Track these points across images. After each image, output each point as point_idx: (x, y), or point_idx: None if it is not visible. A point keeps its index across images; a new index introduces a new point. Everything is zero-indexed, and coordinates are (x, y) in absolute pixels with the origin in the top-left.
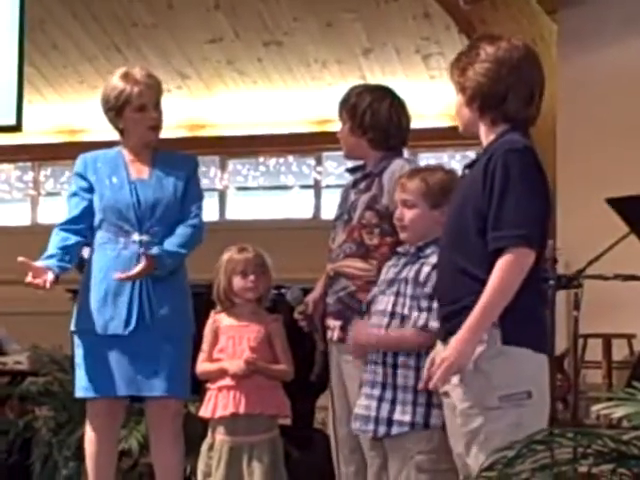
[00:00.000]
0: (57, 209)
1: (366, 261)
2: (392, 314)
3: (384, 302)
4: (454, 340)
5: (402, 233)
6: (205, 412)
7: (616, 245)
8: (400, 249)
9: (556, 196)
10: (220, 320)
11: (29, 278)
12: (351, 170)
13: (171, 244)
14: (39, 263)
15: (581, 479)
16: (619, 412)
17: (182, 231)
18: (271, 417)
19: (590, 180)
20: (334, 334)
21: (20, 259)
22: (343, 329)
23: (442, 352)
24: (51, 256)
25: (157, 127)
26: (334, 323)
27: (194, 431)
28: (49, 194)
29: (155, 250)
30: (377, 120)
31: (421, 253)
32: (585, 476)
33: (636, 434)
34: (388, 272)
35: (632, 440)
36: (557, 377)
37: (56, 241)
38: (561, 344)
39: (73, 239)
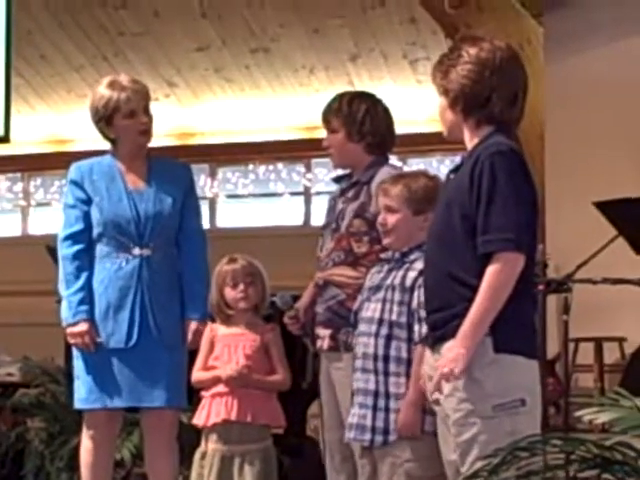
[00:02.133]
0: (48, 219)
1: (355, 269)
2: (380, 321)
3: (371, 309)
4: (447, 348)
5: (385, 238)
6: (198, 420)
7: (604, 249)
8: (384, 255)
9: (545, 200)
10: (216, 329)
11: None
12: (337, 179)
13: (198, 290)
14: (84, 326)
15: None
16: (603, 417)
17: (199, 266)
18: (264, 426)
19: (579, 184)
20: (324, 343)
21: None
22: (333, 338)
23: (435, 362)
24: (84, 302)
25: (148, 131)
26: (324, 332)
27: (187, 440)
28: (39, 204)
29: (196, 314)
30: (377, 125)
31: (406, 259)
32: None
33: (619, 439)
34: (372, 278)
35: (615, 445)
36: (549, 381)
37: (75, 272)
38: (552, 348)
39: (87, 270)
